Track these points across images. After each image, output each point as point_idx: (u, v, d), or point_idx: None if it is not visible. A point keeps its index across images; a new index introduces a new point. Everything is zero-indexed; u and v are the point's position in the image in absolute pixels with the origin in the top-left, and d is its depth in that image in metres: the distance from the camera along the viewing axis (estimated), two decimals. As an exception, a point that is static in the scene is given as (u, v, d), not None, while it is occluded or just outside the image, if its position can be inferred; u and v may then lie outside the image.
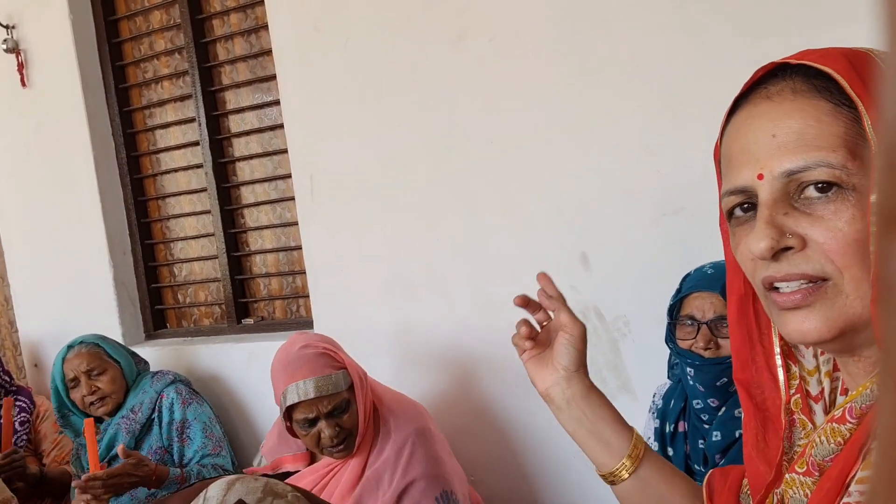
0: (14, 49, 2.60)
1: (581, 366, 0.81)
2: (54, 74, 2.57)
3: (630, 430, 0.80)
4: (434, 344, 2.06)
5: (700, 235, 1.66)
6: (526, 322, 0.83)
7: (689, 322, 1.40)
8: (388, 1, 1.98)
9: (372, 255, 2.09)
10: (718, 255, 1.52)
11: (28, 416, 2.52)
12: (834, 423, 0.57)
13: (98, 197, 2.55)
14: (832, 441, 0.57)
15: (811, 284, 0.55)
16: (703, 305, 1.39)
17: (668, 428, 1.49)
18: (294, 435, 1.62)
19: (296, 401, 1.52)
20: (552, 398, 0.81)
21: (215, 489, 0.62)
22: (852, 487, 0.54)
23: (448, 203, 1.97)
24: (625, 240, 1.76)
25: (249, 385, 2.34)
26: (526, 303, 0.83)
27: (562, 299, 0.83)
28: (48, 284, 2.71)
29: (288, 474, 1.70)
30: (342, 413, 1.56)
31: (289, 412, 1.56)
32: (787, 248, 0.55)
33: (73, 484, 1.79)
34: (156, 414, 2.11)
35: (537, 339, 0.83)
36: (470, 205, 1.95)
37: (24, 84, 2.62)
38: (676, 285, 1.48)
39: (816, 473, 0.58)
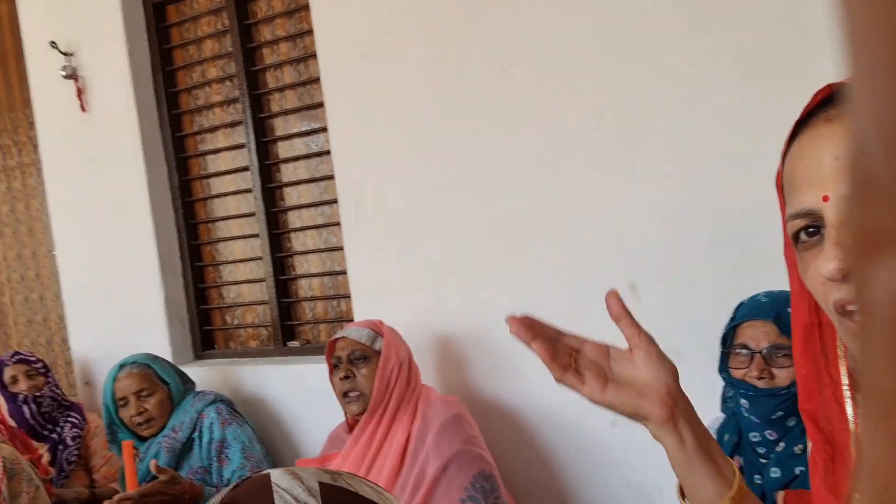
0: (73, 75, 2.70)
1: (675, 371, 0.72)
2: (111, 100, 2.66)
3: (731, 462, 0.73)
4: (475, 373, 2.06)
5: (753, 265, 1.63)
6: (543, 343, 0.70)
7: (743, 351, 1.39)
8: (434, 29, 2.01)
9: (415, 281, 2.11)
10: (771, 285, 1.50)
11: (80, 432, 2.59)
12: None
13: (151, 220, 2.62)
14: None
15: None
16: (756, 334, 1.38)
17: (722, 463, 1.47)
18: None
19: (334, 338, 1.85)
20: (674, 423, 0.69)
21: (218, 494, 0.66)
22: None
23: (493, 230, 1.98)
24: (675, 268, 1.75)
25: (293, 408, 2.37)
26: (527, 327, 0.70)
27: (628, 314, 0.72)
28: (101, 304, 2.79)
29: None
30: (359, 362, 1.80)
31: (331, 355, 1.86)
32: None
33: None
34: (196, 433, 2.14)
35: (584, 366, 0.71)
36: (515, 233, 1.95)
37: (83, 109, 2.72)
38: (729, 315, 1.47)
39: None
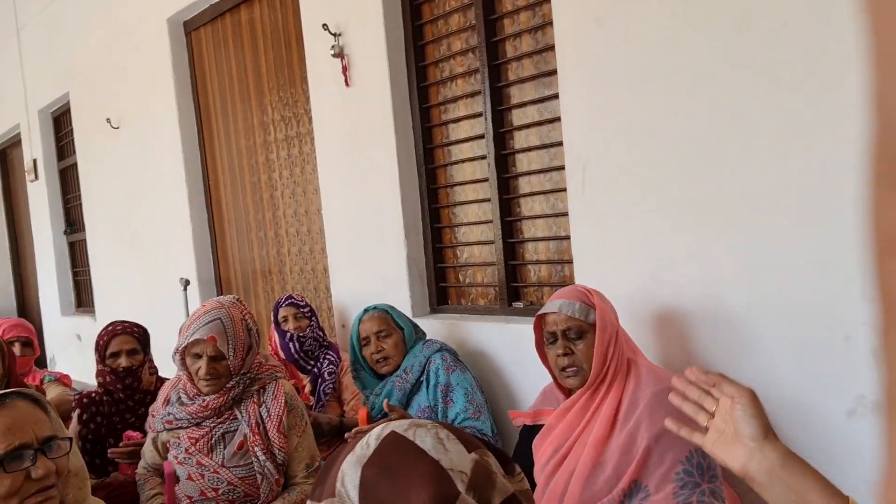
0: (339, 54, 3.03)
1: (768, 432, 0.78)
2: (369, 76, 2.95)
3: (843, 497, 0.75)
4: (701, 349, 1.98)
5: None
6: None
7: None
8: (671, -10, 1.94)
9: (639, 248, 2.08)
10: None
11: (335, 368, 2.95)
12: None
13: (398, 184, 2.88)
14: None
15: None
16: None
17: None
18: (543, 355, 1.88)
19: (544, 311, 1.83)
20: (752, 475, 0.78)
21: (374, 430, 0.78)
22: None
23: (723, 198, 1.88)
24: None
25: (512, 364, 2.48)
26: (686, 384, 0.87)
27: (719, 376, 0.83)
28: (356, 258, 3.14)
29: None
30: (576, 339, 1.79)
31: (542, 326, 1.85)
32: None
33: (346, 436, 2.08)
34: (424, 376, 2.37)
35: (713, 425, 0.84)
36: (748, 201, 1.83)
37: (347, 84, 3.05)
38: None
39: None
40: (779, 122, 1.76)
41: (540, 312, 1.86)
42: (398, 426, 0.76)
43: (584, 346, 1.78)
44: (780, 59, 1.75)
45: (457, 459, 0.72)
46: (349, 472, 0.74)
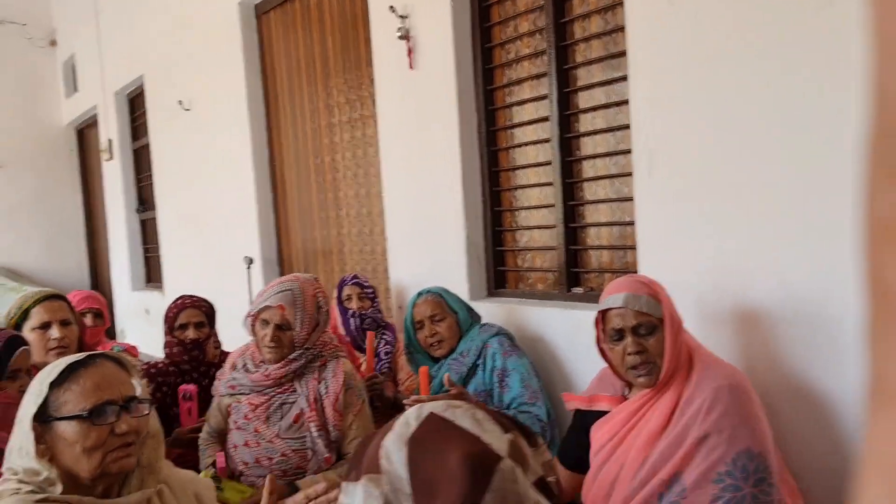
0: (406, 36, 3.03)
1: None
2: (435, 58, 2.94)
3: None
4: (768, 338, 1.91)
5: None
6: None
7: None
8: (750, -34, 1.86)
9: (704, 236, 2.01)
10: None
11: (391, 348, 2.97)
12: None
13: (460, 167, 2.87)
14: None
15: None
16: None
17: None
18: (604, 353, 1.78)
19: (606, 307, 1.72)
20: None
21: (410, 411, 0.84)
22: None
23: (798, 189, 1.80)
24: None
25: (571, 350, 2.45)
26: None
27: None
28: (415, 240, 3.15)
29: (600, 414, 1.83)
30: (648, 335, 1.68)
31: (603, 322, 1.75)
32: None
33: (405, 402, 2.10)
34: (480, 360, 2.36)
35: None
36: (824, 189, 1.75)
37: (410, 67, 3.05)
38: None
39: None
40: (859, 109, 1.67)
41: (602, 308, 1.74)
42: (434, 407, 0.84)
43: (654, 342, 1.68)
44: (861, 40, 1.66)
45: (495, 439, 0.81)
46: (395, 451, 0.80)
